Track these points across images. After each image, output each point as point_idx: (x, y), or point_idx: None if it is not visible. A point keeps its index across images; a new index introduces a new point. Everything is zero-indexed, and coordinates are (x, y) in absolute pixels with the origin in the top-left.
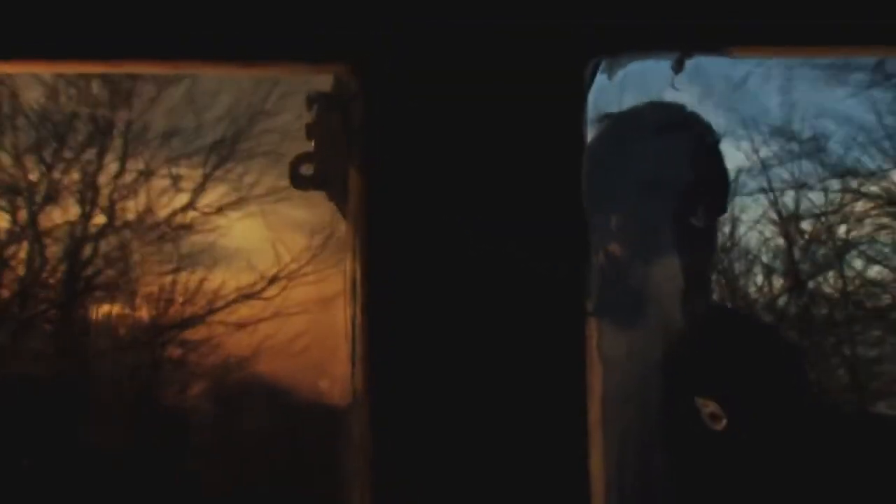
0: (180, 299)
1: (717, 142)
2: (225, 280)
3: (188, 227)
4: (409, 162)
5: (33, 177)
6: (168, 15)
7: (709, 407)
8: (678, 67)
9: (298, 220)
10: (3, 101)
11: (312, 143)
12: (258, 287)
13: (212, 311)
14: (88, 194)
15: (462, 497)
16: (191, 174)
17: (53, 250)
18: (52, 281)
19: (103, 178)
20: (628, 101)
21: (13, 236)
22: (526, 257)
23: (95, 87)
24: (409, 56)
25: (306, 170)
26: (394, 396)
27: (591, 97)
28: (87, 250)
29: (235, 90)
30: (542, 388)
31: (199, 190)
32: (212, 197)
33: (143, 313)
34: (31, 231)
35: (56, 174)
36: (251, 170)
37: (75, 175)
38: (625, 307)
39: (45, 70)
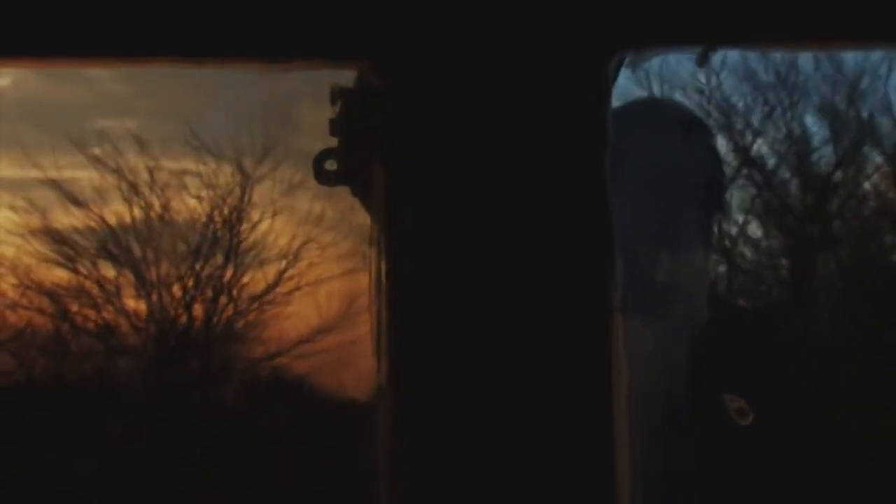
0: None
1: (713, 140)
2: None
3: (270, 302)
4: (433, 157)
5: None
6: (188, 10)
7: (736, 402)
8: (702, 61)
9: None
10: None
11: (337, 140)
12: (314, 336)
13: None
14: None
15: (486, 493)
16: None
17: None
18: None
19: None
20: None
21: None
22: (551, 253)
23: None
24: (431, 51)
25: (330, 165)
26: (418, 391)
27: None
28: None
29: None
30: (567, 385)
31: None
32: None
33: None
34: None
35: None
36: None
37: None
38: (649, 303)
39: (62, 65)
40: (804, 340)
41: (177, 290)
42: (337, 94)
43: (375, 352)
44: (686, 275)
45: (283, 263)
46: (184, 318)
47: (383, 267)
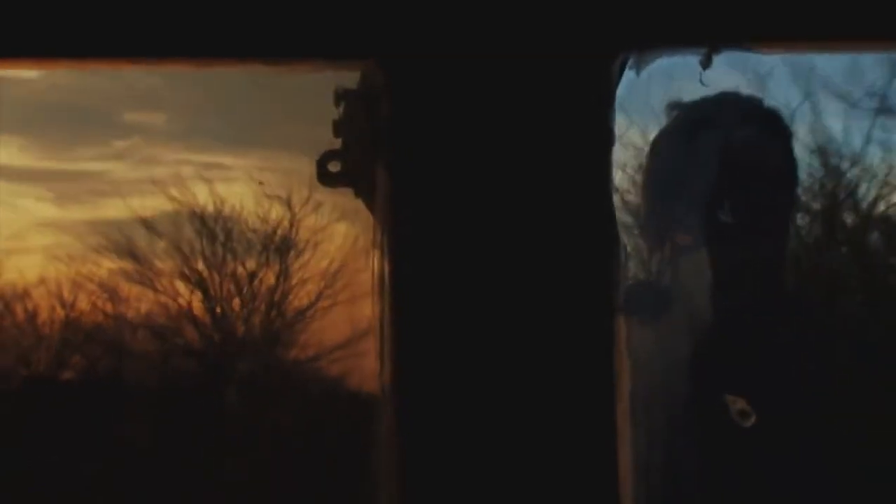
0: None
1: (788, 134)
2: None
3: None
4: (436, 159)
5: None
6: (191, 12)
7: (738, 403)
8: (706, 63)
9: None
10: None
11: (340, 141)
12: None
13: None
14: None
15: (489, 493)
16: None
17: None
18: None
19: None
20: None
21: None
22: (554, 254)
23: None
24: (434, 53)
25: (333, 167)
26: (421, 392)
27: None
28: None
29: None
30: (569, 385)
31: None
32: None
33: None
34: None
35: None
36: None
37: None
38: (657, 302)
39: (65, 67)
40: (807, 340)
41: (237, 304)
42: (341, 96)
43: (378, 353)
44: (688, 275)
45: (322, 283)
46: (242, 329)
47: (386, 268)
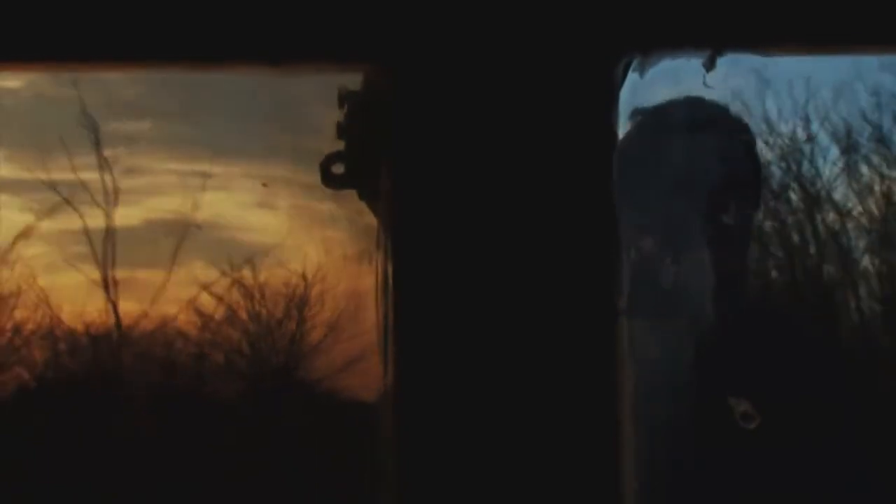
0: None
1: (752, 139)
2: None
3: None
4: (440, 160)
5: None
6: (192, 14)
7: (741, 406)
8: (710, 65)
9: None
10: None
11: (343, 143)
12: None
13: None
14: None
15: (491, 495)
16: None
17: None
18: None
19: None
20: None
21: None
22: (556, 256)
23: None
24: (439, 54)
25: (337, 168)
26: (424, 393)
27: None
28: None
29: None
30: (572, 388)
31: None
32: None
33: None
34: None
35: None
36: None
37: None
38: (657, 305)
39: (69, 69)
40: (813, 343)
41: (268, 341)
42: (344, 97)
43: (381, 355)
44: (693, 278)
45: (327, 328)
46: (271, 359)
47: (389, 269)
